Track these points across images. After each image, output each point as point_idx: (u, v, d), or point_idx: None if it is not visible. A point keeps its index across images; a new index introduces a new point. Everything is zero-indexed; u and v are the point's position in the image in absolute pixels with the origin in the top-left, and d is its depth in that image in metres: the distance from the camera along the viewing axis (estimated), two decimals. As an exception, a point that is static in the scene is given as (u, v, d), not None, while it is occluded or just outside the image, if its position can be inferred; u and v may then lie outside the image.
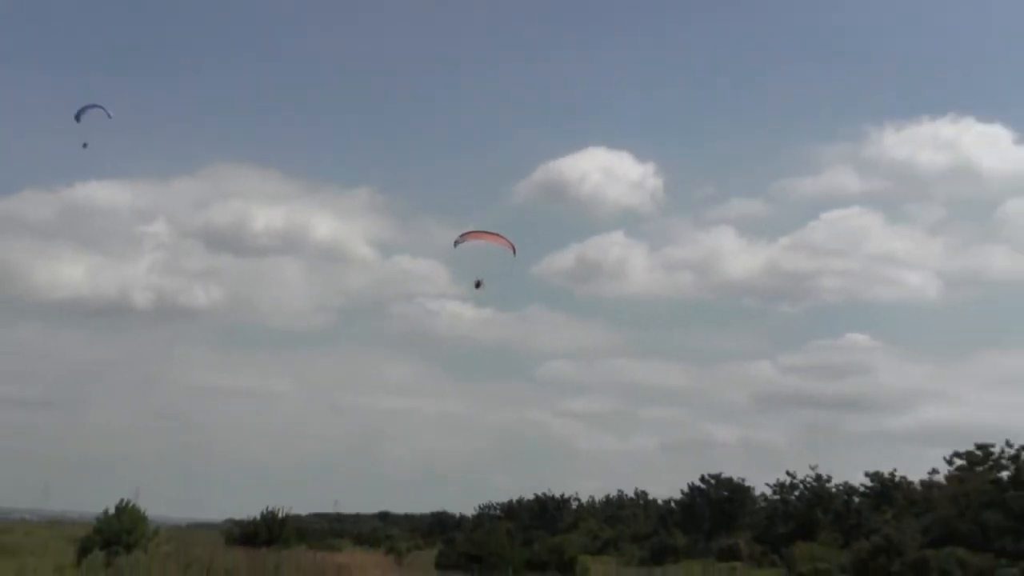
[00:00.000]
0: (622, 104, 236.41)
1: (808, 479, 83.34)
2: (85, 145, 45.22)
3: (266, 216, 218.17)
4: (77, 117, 43.95)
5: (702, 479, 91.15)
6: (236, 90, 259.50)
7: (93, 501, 43.92)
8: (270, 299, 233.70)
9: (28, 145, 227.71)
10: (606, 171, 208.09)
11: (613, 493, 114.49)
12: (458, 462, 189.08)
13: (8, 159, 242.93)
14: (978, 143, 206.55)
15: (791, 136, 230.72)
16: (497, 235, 41.74)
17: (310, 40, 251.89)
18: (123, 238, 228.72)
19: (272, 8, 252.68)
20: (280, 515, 54.40)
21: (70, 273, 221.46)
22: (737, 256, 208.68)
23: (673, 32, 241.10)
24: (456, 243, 41.01)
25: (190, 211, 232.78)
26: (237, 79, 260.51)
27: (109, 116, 45.17)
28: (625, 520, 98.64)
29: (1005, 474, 64.77)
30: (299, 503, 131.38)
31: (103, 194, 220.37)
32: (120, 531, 37.50)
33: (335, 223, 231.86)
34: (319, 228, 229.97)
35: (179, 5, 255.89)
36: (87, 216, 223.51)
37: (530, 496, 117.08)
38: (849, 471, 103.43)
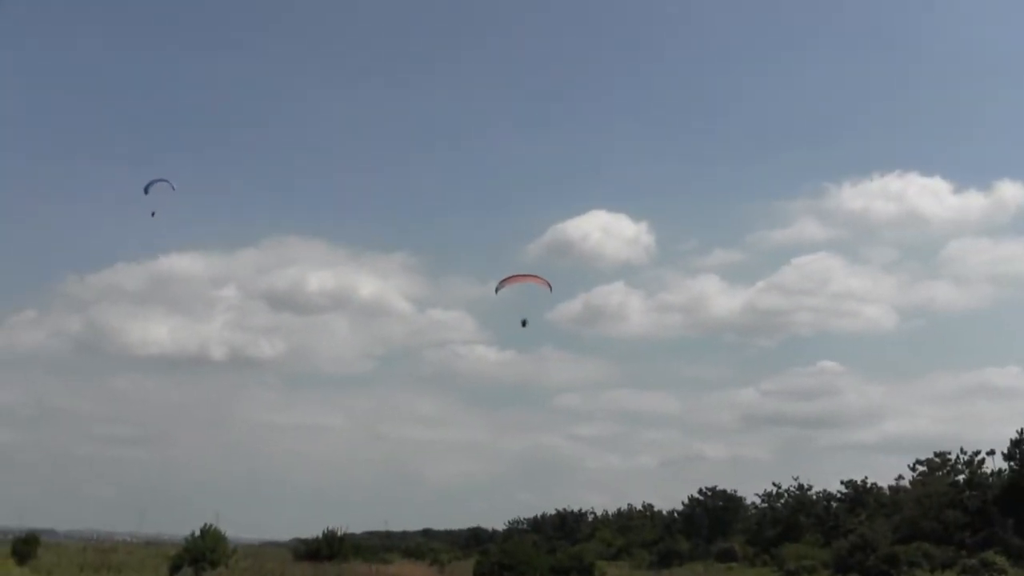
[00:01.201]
0: (619, 172, 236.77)
1: (791, 488, 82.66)
2: (153, 214, 43.34)
3: (318, 279, 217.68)
4: (146, 190, 42.48)
5: (700, 492, 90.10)
6: (288, 172, 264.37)
7: (181, 524, 43.20)
8: (324, 349, 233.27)
9: (117, 224, 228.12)
10: (606, 230, 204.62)
11: (624, 507, 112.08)
12: (486, 482, 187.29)
13: (101, 237, 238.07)
14: (921, 194, 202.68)
15: (763, 194, 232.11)
16: (533, 276, 39.27)
17: (355, 130, 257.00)
18: (200, 301, 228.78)
19: (318, 106, 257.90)
20: (339, 533, 52.98)
21: (157, 332, 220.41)
22: (720, 298, 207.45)
23: (662, 112, 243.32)
24: (497, 289, 38.02)
25: (255, 277, 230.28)
26: (288, 162, 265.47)
27: (173, 188, 43.53)
28: (635, 529, 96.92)
29: (961, 477, 64.44)
30: (354, 522, 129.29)
31: (182, 264, 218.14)
32: (205, 550, 37.16)
33: (376, 283, 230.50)
34: (363, 288, 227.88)
35: (234, 106, 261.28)
36: (169, 284, 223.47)
37: (552, 511, 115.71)
38: (826, 480, 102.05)
